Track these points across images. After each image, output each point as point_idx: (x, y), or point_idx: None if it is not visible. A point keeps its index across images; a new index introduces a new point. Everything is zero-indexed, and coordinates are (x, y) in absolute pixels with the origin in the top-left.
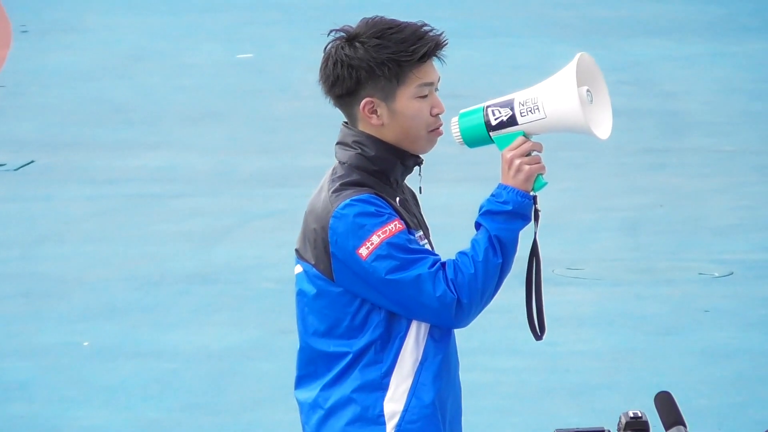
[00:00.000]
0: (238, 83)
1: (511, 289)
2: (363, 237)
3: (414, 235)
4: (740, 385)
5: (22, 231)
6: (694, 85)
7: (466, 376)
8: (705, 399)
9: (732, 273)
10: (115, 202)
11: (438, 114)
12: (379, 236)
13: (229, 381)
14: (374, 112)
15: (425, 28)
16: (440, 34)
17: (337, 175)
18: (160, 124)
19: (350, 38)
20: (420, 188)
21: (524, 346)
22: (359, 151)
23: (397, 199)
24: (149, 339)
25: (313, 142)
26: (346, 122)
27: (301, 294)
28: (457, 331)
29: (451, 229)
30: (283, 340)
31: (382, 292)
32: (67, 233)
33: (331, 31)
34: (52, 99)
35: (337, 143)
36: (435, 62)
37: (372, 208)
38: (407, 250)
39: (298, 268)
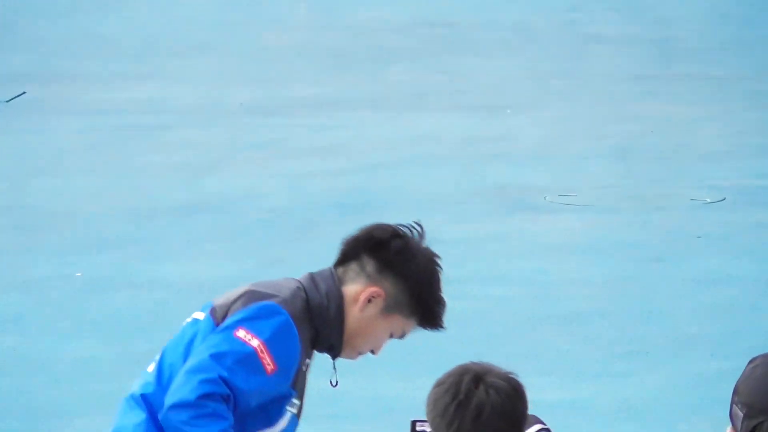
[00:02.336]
0: (228, 15)
1: (503, 217)
2: (253, 331)
3: (290, 398)
4: (732, 312)
5: (14, 163)
6: (685, 11)
7: (457, 304)
8: (697, 326)
9: (724, 199)
10: (106, 134)
11: (375, 353)
12: (261, 349)
13: None
14: (371, 300)
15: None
16: (441, 326)
17: (303, 292)
18: (149, 56)
19: (432, 255)
20: (335, 382)
21: (516, 275)
22: (325, 304)
23: (307, 361)
24: (141, 270)
25: (302, 73)
26: (336, 268)
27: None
28: (450, 258)
29: (439, 158)
30: (275, 269)
31: (210, 341)
32: (58, 166)
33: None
34: (43, 32)
35: (312, 276)
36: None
37: (285, 342)
38: (245, 370)
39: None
